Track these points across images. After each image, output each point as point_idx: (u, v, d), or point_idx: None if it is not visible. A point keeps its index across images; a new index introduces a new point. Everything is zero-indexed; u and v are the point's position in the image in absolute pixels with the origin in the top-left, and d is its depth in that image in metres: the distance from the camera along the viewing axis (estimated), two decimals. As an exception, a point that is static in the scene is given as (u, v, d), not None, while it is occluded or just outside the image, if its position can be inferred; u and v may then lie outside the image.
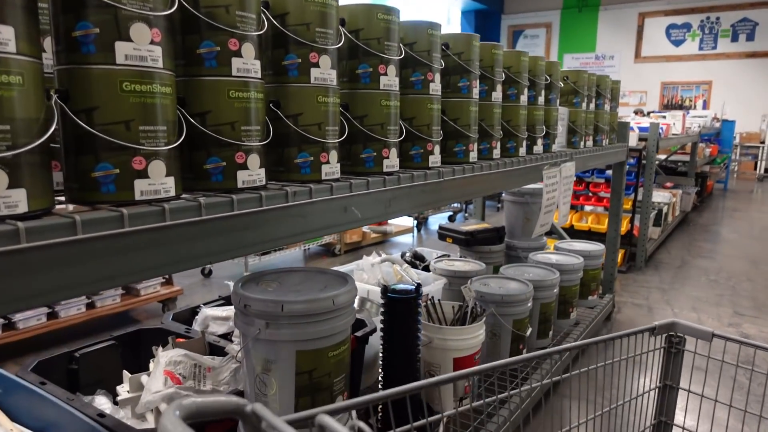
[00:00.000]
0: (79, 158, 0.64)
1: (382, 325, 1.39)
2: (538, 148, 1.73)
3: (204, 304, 1.59)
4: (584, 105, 2.20)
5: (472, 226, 2.55)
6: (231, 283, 1.81)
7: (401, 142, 1.06)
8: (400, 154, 1.05)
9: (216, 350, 1.34)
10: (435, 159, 1.11)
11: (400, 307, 1.36)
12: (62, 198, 0.69)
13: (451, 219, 5.66)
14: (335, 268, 2.14)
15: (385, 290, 1.38)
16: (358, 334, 1.44)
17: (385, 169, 0.98)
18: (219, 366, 1.25)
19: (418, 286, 1.39)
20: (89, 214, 0.60)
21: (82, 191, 0.65)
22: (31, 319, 2.15)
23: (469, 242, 2.44)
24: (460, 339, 1.51)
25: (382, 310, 1.38)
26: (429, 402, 1.55)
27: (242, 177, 0.78)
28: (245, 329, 0.92)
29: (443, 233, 2.55)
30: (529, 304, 1.86)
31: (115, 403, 1.27)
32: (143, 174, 0.66)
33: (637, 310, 2.99)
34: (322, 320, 0.91)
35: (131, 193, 0.65)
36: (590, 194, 4.14)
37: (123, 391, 1.29)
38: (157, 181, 0.67)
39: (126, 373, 1.33)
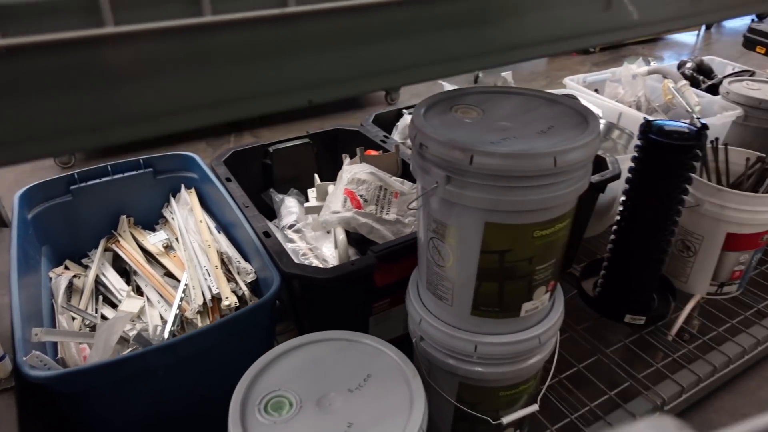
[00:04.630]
0: None
1: (629, 174, 0.99)
2: None
3: (406, 109, 1.34)
4: None
5: (805, 31, 1.72)
6: (446, 84, 1.51)
7: None
8: None
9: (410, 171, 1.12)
10: None
11: (666, 156, 0.92)
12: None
13: (760, 17, 4.21)
14: (576, 78, 1.65)
15: (648, 127, 0.94)
16: (593, 179, 1.06)
17: None
18: (408, 192, 1.04)
19: (703, 128, 0.92)
20: None
21: None
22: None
23: (792, 56, 1.66)
24: (745, 210, 1.03)
25: (636, 154, 0.97)
26: (672, 277, 1.17)
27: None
28: (421, 177, 0.65)
29: (753, 38, 1.78)
30: None
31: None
32: None
33: None
34: (532, 186, 0.58)
35: None
36: None
37: (312, 196, 1.19)
38: None
39: (317, 178, 1.21)
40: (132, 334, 0.76)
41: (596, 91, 1.65)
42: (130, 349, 0.74)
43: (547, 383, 0.80)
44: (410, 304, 0.77)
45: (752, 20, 4.14)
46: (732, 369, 1.05)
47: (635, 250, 1.02)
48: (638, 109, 1.58)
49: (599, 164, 1.13)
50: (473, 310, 0.69)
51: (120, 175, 1.09)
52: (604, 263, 1.09)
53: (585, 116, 0.65)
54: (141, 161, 1.11)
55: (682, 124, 0.94)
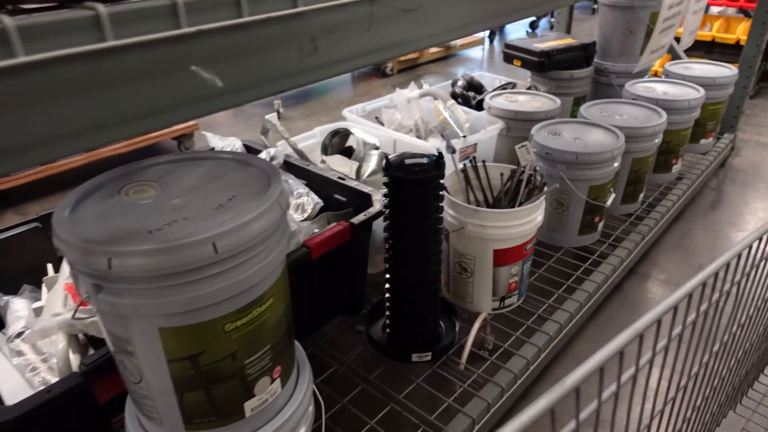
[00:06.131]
0: None
1: (385, 209, 0.96)
2: None
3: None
4: None
5: (551, 42, 1.90)
6: (209, 136, 1.39)
7: None
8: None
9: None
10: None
11: (410, 190, 0.90)
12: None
13: (533, 26, 4.73)
14: (355, 108, 1.62)
15: (389, 164, 0.91)
16: (356, 220, 1.02)
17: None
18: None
19: (438, 158, 0.91)
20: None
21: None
22: (22, 164, 1.89)
23: (543, 66, 1.82)
24: (504, 226, 1.05)
25: (384, 191, 0.93)
26: (459, 299, 1.17)
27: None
28: (77, 287, 0.52)
29: (509, 53, 1.92)
30: (615, 164, 1.33)
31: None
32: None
33: (763, 152, 2.32)
34: (200, 279, 0.48)
35: None
36: (721, -10, 3.13)
37: (45, 292, 0.99)
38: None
39: (50, 268, 1.02)
40: None
41: (376, 119, 1.65)
42: None
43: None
44: (127, 426, 0.64)
45: (526, 31, 4.63)
46: (520, 384, 1.06)
47: (406, 283, 0.98)
48: (417, 131, 1.61)
49: (365, 201, 1.09)
50: (187, 425, 0.58)
51: None
52: (386, 303, 1.04)
53: (270, 179, 0.57)
54: None
55: (421, 157, 0.93)
